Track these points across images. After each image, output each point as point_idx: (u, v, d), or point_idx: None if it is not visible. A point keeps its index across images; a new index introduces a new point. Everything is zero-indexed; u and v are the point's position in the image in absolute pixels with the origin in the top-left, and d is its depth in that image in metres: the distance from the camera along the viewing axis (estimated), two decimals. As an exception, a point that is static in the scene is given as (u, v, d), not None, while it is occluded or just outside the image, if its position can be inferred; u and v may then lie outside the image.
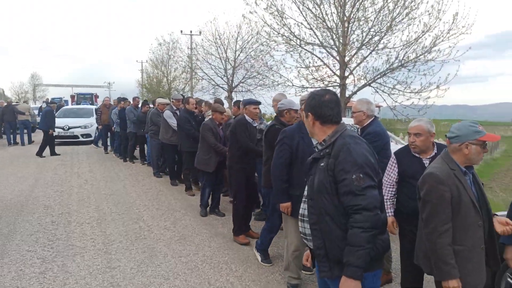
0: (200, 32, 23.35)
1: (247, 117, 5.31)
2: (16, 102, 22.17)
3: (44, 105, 23.65)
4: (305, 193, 2.31)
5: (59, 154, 13.06)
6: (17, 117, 16.06)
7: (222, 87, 19.99)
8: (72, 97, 34.67)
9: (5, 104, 17.20)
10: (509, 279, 3.20)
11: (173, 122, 8.21)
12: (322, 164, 2.16)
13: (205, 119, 8.37)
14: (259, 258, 4.59)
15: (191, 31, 28.43)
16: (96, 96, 35.07)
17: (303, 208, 2.31)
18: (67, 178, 9.30)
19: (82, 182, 8.93)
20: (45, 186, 8.47)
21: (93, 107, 20.25)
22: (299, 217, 2.37)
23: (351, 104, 12.72)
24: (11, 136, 16.17)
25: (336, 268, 2.11)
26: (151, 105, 11.55)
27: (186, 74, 26.12)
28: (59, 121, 15.45)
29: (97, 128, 15.08)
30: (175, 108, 8.59)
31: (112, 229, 5.70)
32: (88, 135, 16.38)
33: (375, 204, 2.04)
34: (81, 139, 16.23)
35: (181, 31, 28.58)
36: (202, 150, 6.33)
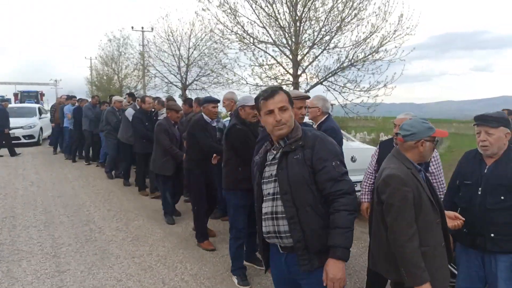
0: (152, 29, 22.86)
1: (205, 117, 5.02)
2: None
3: None
4: (271, 191, 2.26)
5: (19, 154, 12.54)
6: None
7: (175, 85, 19.69)
8: (16, 95, 32.86)
9: None
10: (452, 269, 3.38)
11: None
12: (296, 156, 2.18)
13: (159, 118, 8.27)
14: (235, 281, 4.06)
15: (142, 27, 27.76)
16: (42, 94, 33.46)
17: (272, 206, 2.25)
18: (11, 180, 8.83)
19: (27, 184, 8.51)
20: (-13, 189, 8.01)
21: (37, 105, 19.07)
22: (263, 216, 2.31)
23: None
24: None
25: (315, 259, 2.15)
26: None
27: (138, 72, 25.50)
28: None
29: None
30: (138, 107, 8.16)
31: (61, 232, 5.50)
32: (31, 136, 15.11)
33: (353, 188, 2.19)
34: (23, 140, 14.78)
35: (132, 27, 27.86)
36: (158, 152, 5.99)
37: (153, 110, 8.08)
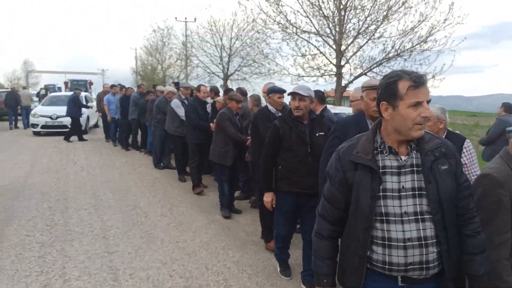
0: (195, 19, 23.23)
1: (270, 107, 4.73)
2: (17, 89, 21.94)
3: (42, 91, 23.63)
4: (411, 209, 1.74)
5: (86, 140, 13.34)
6: (19, 103, 17.08)
7: (217, 75, 19.92)
8: (66, 83, 34.31)
9: (9, 90, 18.80)
10: None
11: (181, 112, 7.71)
12: (445, 167, 1.78)
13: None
14: (278, 269, 4.11)
15: (185, 18, 28.20)
16: (91, 83, 34.80)
17: (418, 230, 1.73)
18: (63, 165, 9.30)
19: (78, 169, 8.93)
20: (41, 172, 8.48)
21: (84, 94, 19.48)
22: (403, 244, 1.73)
23: (347, 94, 12.81)
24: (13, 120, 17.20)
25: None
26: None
27: (181, 62, 25.95)
28: (46, 109, 15.08)
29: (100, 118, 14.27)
30: (183, 97, 7.99)
31: (109, 215, 5.75)
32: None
33: None
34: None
35: (176, 18, 28.32)
36: (218, 142, 5.78)
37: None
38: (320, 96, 4.71)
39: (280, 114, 4.72)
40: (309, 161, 3.48)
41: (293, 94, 3.55)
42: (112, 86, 12.81)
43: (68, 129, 14.27)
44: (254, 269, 4.14)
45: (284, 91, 4.77)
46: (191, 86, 8.04)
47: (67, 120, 14.52)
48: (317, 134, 3.54)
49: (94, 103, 18.35)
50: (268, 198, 3.69)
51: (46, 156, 10.46)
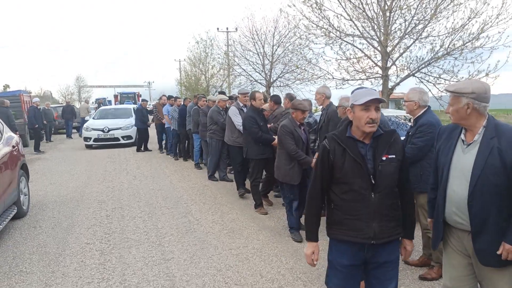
0: (236, 29, 23.54)
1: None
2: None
3: (96, 105, 25.62)
4: None
5: (43, 152, 14.37)
6: (75, 115, 20.11)
7: (260, 83, 20.06)
8: (116, 97, 35.89)
9: (66, 103, 22.38)
10: None
11: (237, 120, 7.10)
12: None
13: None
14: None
15: (227, 28, 28.70)
16: (139, 95, 36.14)
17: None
18: (116, 175, 9.69)
19: (131, 178, 9.27)
20: (97, 182, 8.87)
21: (132, 106, 20.02)
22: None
23: (393, 97, 12.39)
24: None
25: None
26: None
27: (224, 71, 26.37)
28: (97, 123, 15.61)
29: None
30: (241, 105, 7.37)
31: (163, 223, 5.90)
32: (129, 137, 15.40)
33: None
34: (122, 141, 15.23)
35: (218, 29, 28.87)
36: (282, 158, 5.13)
37: (227, 106, 8.32)
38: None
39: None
40: (372, 198, 2.38)
41: (368, 102, 2.34)
42: (170, 97, 12.98)
43: (119, 142, 15.04)
44: (309, 276, 4.09)
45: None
46: (249, 92, 7.41)
47: (119, 133, 15.25)
48: (383, 158, 2.39)
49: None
50: (308, 250, 2.62)
51: (101, 166, 10.94)
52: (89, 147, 15.38)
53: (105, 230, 5.64)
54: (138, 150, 13.86)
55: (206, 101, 10.09)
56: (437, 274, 3.91)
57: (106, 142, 15.18)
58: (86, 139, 15.36)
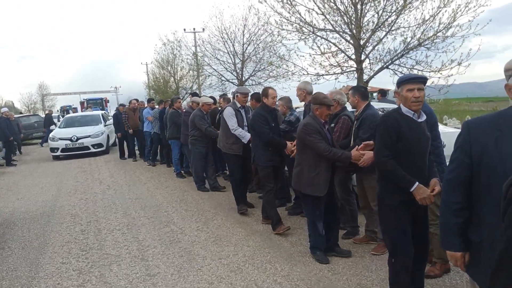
0: (203, 29, 23.11)
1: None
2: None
3: (61, 113, 24.77)
4: None
5: (15, 165, 13.66)
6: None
7: (232, 82, 19.75)
8: (82, 103, 34.65)
9: (48, 112, 22.60)
10: None
11: (233, 124, 6.13)
12: None
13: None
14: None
15: (194, 29, 28.18)
16: (107, 101, 35.06)
17: None
18: (89, 185, 9.17)
19: (105, 188, 8.79)
20: (69, 194, 8.35)
21: (101, 112, 19.33)
22: None
23: (371, 89, 12.36)
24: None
25: None
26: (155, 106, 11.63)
27: (193, 72, 25.89)
28: (64, 132, 14.71)
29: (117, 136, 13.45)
30: (239, 105, 6.34)
31: (144, 234, 5.54)
32: (100, 145, 14.69)
33: None
34: (92, 150, 14.42)
35: (184, 30, 28.29)
36: (305, 163, 4.28)
37: (219, 107, 7.96)
38: (363, 92, 4.41)
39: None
40: None
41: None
42: (149, 100, 12.35)
43: (89, 151, 14.28)
44: (308, 283, 3.84)
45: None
46: (250, 91, 6.61)
47: (88, 141, 14.43)
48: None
49: (111, 121, 18.32)
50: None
51: (71, 177, 10.37)
52: (56, 158, 14.42)
53: (81, 247, 5.21)
54: (122, 157, 13.19)
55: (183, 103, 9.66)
56: (441, 270, 3.75)
57: (75, 152, 14.28)
58: (52, 149, 14.36)
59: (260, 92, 5.65)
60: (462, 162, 2.03)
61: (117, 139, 13.88)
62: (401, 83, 3.01)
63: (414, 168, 2.98)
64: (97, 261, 4.72)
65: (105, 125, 15.67)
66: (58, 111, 28.88)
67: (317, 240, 4.32)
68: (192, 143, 7.79)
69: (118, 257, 4.79)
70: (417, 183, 2.92)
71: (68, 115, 19.63)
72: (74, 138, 14.33)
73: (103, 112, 19.99)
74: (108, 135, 15.44)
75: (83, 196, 8.13)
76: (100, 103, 33.31)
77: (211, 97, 9.62)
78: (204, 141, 7.67)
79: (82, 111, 29.38)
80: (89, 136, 14.58)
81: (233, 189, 6.37)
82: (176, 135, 9.03)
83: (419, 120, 3.02)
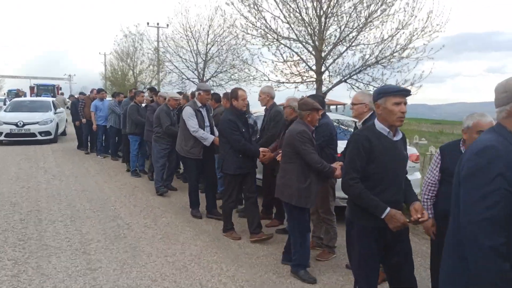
0: (167, 25, 22.78)
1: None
2: None
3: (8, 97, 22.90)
4: None
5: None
6: None
7: (192, 81, 19.56)
8: (32, 88, 33.04)
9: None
10: None
11: (193, 125, 5.66)
12: None
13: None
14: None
15: (157, 23, 27.72)
16: (59, 88, 33.61)
17: None
18: (33, 173, 8.73)
19: (49, 177, 8.40)
20: (10, 182, 7.90)
21: (51, 99, 18.41)
22: None
23: (328, 102, 12.69)
24: None
25: None
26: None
27: (153, 67, 25.46)
28: (10, 116, 13.88)
29: (76, 125, 12.57)
30: (199, 105, 5.83)
31: (88, 228, 5.35)
32: (48, 133, 13.81)
33: None
34: (39, 137, 13.56)
35: (148, 23, 27.78)
36: (293, 173, 3.97)
37: (179, 106, 7.74)
38: (320, 101, 4.52)
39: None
40: None
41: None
42: (100, 90, 11.70)
43: (36, 138, 13.51)
44: (252, 284, 3.87)
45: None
46: (212, 89, 6.30)
47: (35, 128, 13.65)
48: None
49: (62, 109, 17.53)
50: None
51: (14, 164, 9.82)
52: (-1, 143, 13.63)
53: (19, 236, 4.96)
54: (80, 147, 12.54)
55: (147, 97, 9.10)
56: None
57: (20, 138, 13.47)
58: None
59: (228, 93, 5.28)
60: (506, 192, 1.66)
61: (73, 128, 13.19)
62: (384, 93, 2.66)
63: (387, 192, 2.70)
64: (35, 251, 4.51)
65: (55, 113, 14.93)
66: (5, 94, 27.31)
67: (304, 256, 4.03)
68: (155, 140, 7.27)
69: (58, 249, 4.60)
70: (388, 209, 2.63)
71: (16, 99, 18.49)
72: (20, 123, 13.48)
73: (53, 99, 19.00)
74: (57, 123, 14.73)
75: (26, 184, 7.73)
76: (52, 90, 31.91)
77: (179, 92, 9.43)
78: (167, 139, 7.13)
79: (31, 97, 28.00)
80: (37, 123, 13.77)
81: (191, 194, 5.98)
82: (135, 130, 8.58)
83: (395, 138, 2.74)
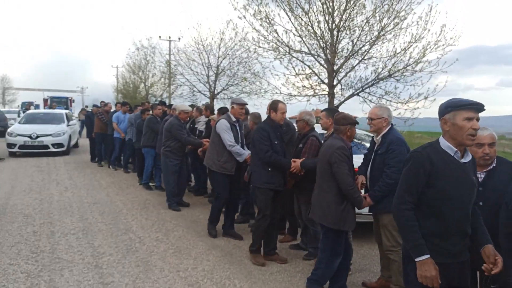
0: (179, 38, 23.06)
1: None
2: None
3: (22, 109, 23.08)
4: None
5: (3, 159, 12.57)
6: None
7: (203, 94, 19.66)
8: (45, 100, 33.45)
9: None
10: None
11: (229, 139, 5.34)
12: None
13: (196, 126, 8.01)
14: None
15: (169, 37, 28.06)
16: (72, 100, 34.05)
17: None
18: (45, 185, 8.78)
19: (62, 189, 8.43)
20: (23, 193, 7.95)
21: (64, 111, 18.63)
22: None
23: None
24: None
25: None
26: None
27: (165, 80, 25.69)
28: (24, 128, 14.10)
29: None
30: (234, 119, 5.53)
31: (100, 241, 5.32)
32: (60, 145, 14.03)
33: None
34: (51, 149, 13.78)
35: (160, 37, 28.12)
36: (332, 192, 3.75)
37: (189, 118, 7.72)
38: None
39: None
40: None
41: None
42: (124, 103, 11.72)
43: (49, 150, 13.68)
44: (266, 301, 3.80)
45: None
46: (246, 103, 5.90)
47: (48, 140, 13.84)
48: None
49: (75, 121, 17.73)
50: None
51: (27, 176, 9.90)
52: (12, 154, 13.70)
53: (32, 249, 4.95)
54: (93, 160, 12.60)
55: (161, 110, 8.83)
56: (397, 297, 3.79)
57: (34, 150, 13.61)
58: (9, 145, 13.60)
59: (269, 105, 4.90)
60: None
61: (85, 140, 13.20)
62: (454, 107, 2.34)
63: (450, 225, 2.34)
64: (48, 265, 4.49)
65: (68, 125, 15.12)
66: (19, 106, 27.74)
67: (325, 275, 3.82)
68: (165, 155, 7.02)
69: (71, 263, 4.57)
70: (428, 256, 2.30)
71: (30, 111, 18.73)
72: (34, 135, 13.65)
73: (67, 111, 19.20)
74: (70, 136, 14.89)
75: (38, 196, 7.77)
76: (65, 102, 32.32)
77: (191, 105, 9.38)
78: (178, 154, 7.00)
79: (44, 109, 28.38)
80: (50, 135, 13.95)
81: (214, 208, 5.63)
82: (151, 143, 8.36)
83: (463, 160, 2.38)
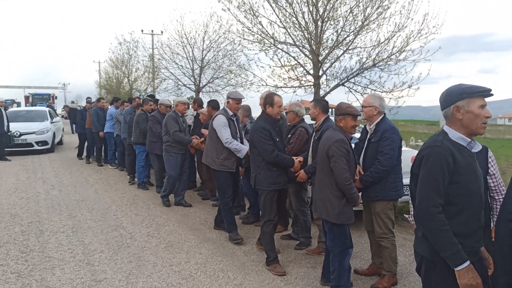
0: (162, 32, 22.79)
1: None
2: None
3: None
4: None
5: (9, 160, 12.14)
6: None
7: (188, 87, 19.53)
8: (27, 98, 32.91)
9: None
10: None
11: (226, 135, 5.06)
12: None
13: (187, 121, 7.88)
14: None
15: (152, 31, 27.75)
16: (54, 97, 33.49)
17: None
18: (31, 184, 8.65)
19: (48, 187, 8.32)
20: (8, 193, 7.82)
21: (47, 108, 18.24)
22: None
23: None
24: None
25: None
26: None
27: (148, 74, 25.43)
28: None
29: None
30: (231, 113, 5.26)
31: (91, 238, 5.29)
32: (45, 143, 13.77)
33: None
34: (36, 147, 13.51)
35: (142, 31, 27.81)
36: (333, 187, 3.60)
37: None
38: (324, 105, 4.50)
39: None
40: None
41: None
42: (115, 99, 11.23)
43: (33, 148, 13.41)
44: (260, 292, 3.83)
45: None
46: (243, 97, 5.56)
47: (32, 138, 13.57)
48: None
49: (58, 118, 17.42)
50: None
51: (12, 175, 9.73)
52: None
53: (21, 249, 4.89)
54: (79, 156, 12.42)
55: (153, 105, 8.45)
56: (389, 283, 3.87)
57: (17, 148, 13.31)
58: None
59: (263, 99, 4.57)
60: None
61: (69, 137, 13.01)
62: (469, 94, 2.14)
63: (473, 221, 2.18)
64: (38, 264, 4.44)
65: (51, 122, 14.86)
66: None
67: (343, 275, 3.60)
68: (166, 150, 6.79)
69: (62, 261, 4.53)
70: (468, 262, 2.07)
71: (12, 109, 18.35)
72: (17, 133, 13.35)
73: (49, 108, 18.82)
74: (54, 133, 14.64)
75: (25, 195, 7.65)
76: (47, 99, 31.76)
77: (189, 97, 9.19)
78: (178, 147, 6.74)
79: (25, 106, 27.87)
80: (33, 133, 13.68)
81: (224, 212, 5.23)
82: (143, 140, 7.98)
83: (474, 150, 2.23)
